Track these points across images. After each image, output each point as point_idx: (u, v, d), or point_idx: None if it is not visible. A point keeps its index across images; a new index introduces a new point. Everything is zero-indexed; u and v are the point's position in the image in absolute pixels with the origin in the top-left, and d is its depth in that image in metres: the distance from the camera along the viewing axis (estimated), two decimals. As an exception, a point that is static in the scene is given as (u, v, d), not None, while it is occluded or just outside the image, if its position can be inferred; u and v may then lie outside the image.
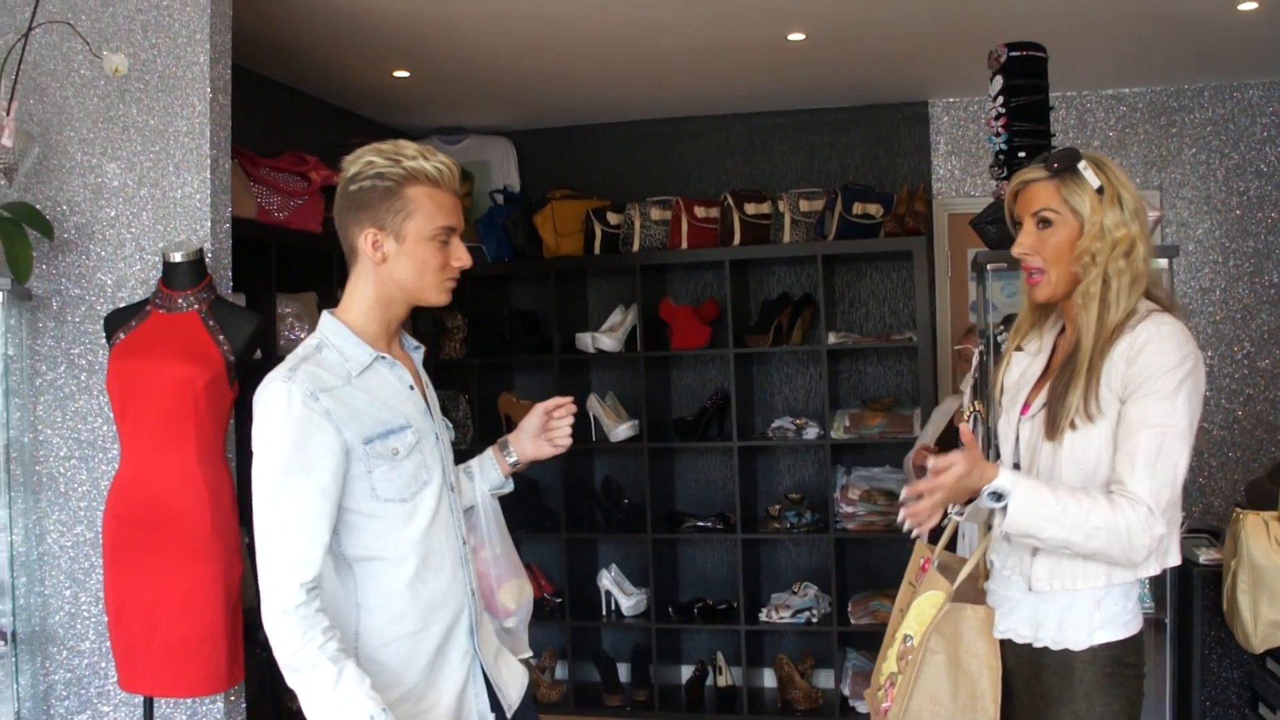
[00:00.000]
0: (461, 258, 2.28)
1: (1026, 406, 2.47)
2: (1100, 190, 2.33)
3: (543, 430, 2.58)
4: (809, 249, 5.50)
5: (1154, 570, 2.32)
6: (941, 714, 2.43)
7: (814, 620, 5.54)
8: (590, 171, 6.20)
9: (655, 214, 5.68)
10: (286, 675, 2.09)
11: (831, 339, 5.51)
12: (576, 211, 5.81)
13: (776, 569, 5.92)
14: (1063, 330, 2.49)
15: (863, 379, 5.90)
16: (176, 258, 3.40)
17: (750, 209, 5.57)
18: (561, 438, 2.58)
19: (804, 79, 5.40)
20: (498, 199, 5.99)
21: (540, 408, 2.59)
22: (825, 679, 5.69)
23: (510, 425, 5.84)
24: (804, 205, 5.52)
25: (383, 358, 2.27)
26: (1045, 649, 2.35)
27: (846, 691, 5.43)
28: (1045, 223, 2.39)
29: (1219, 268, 5.55)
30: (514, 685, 2.44)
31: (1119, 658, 2.31)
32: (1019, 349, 2.57)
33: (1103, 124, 5.61)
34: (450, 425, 2.46)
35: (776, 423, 5.71)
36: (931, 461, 2.28)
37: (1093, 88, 5.57)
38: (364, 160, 2.22)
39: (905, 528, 2.35)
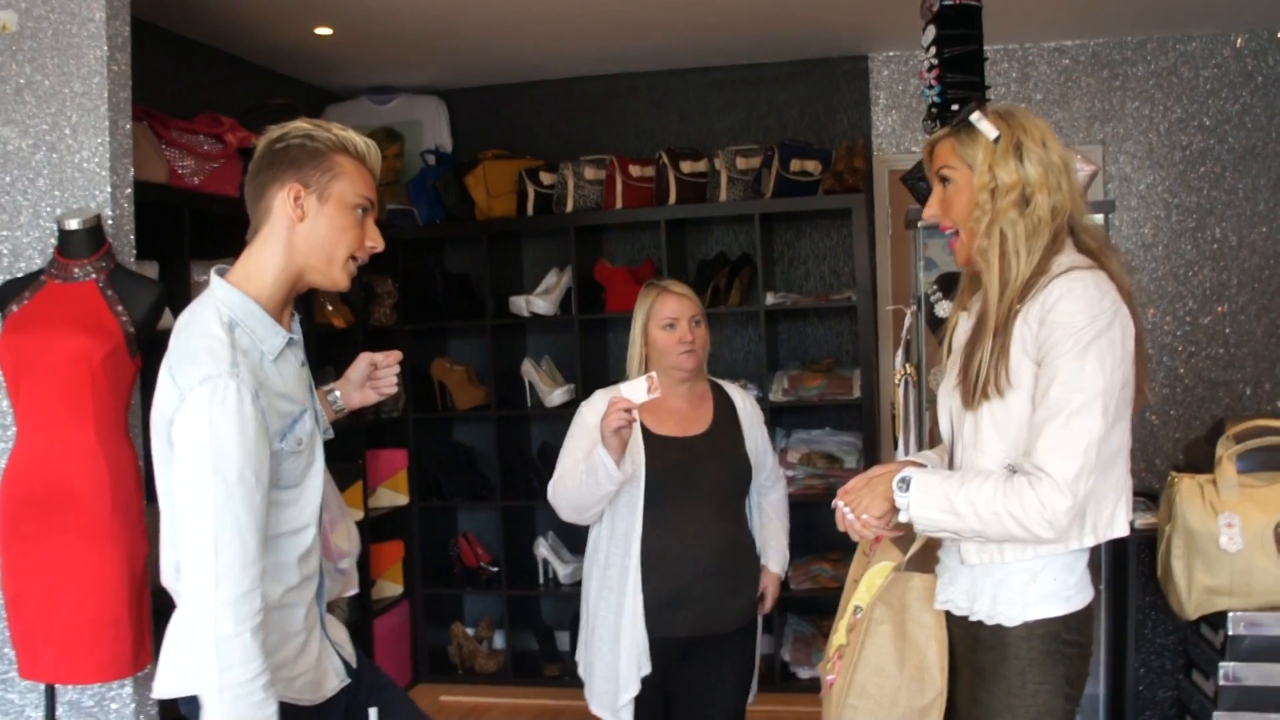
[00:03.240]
0: (375, 240, 2.26)
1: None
2: (998, 140, 2.22)
3: (368, 379, 2.64)
4: (746, 207, 5.38)
5: (1086, 542, 2.21)
6: (887, 686, 2.35)
7: (755, 585, 5.46)
8: (525, 130, 6.04)
9: (589, 173, 5.54)
10: (222, 692, 1.97)
11: (770, 299, 5.40)
12: (509, 172, 5.66)
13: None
14: None
15: (804, 340, 5.80)
16: (72, 225, 3.26)
17: (686, 167, 5.44)
18: (387, 385, 2.64)
19: (742, 34, 5.26)
20: (429, 160, 5.82)
21: (366, 357, 2.63)
22: (765, 645, 5.62)
23: (444, 391, 5.75)
24: (741, 163, 5.40)
25: (290, 339, 2.22)
26: (980, 623, 2.26)
27: (787, 657, 5.37)
28: (944, 180, 2.30)
29: (1161, 223, 5.48)
30: (346, 641, 2.47)
31: (1057, 634, 2.21)
32: (965, 310, 2.47)
33: (1045, 77, 5.51)
34: (313, 383, 2.42)
35: (716, 385, 5.60)
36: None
37: (1035, 40, 5.47)
38: (294, 125, 2.20)
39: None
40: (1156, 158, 5.47)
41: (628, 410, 2.92)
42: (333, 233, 2.19)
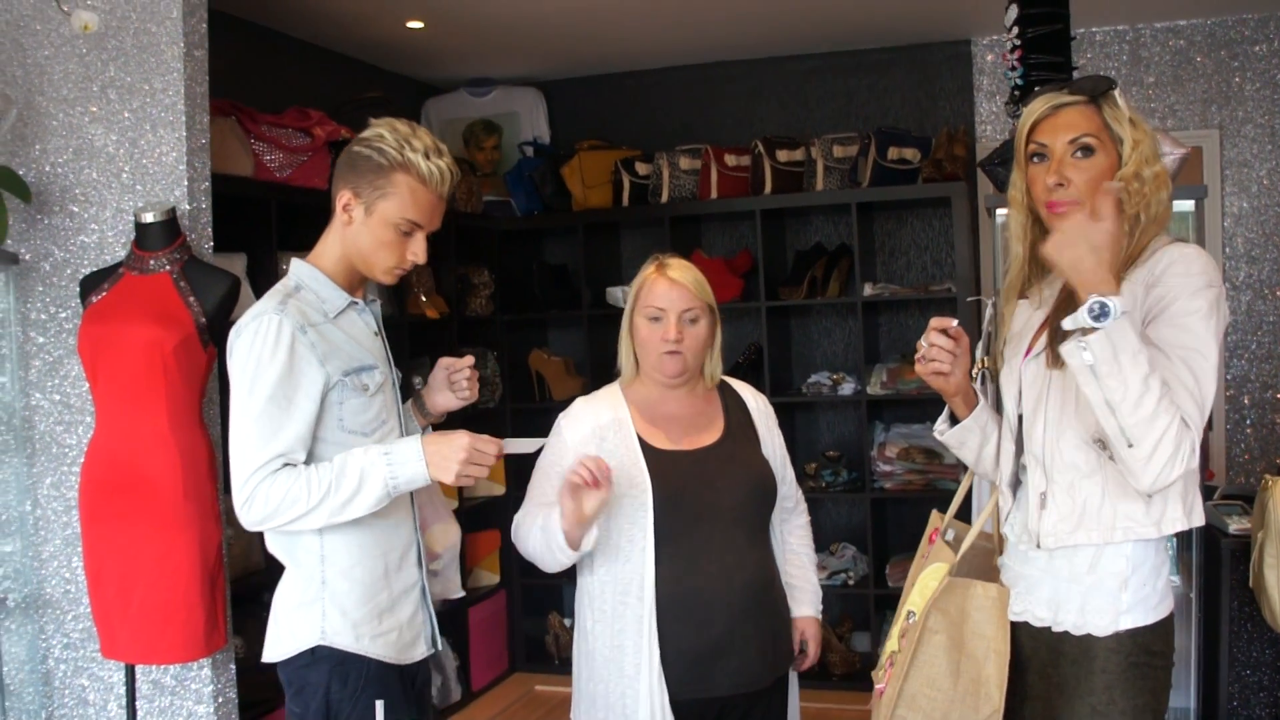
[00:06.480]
0: (417, 254, 2.42)
1: (1029, 351, 2.27)
2: (1132, 121, 2.15)
3: (448, 384, 2.68)
4: (843, 196, 5.27)
5: (1195, 522, 2.12)
6: (939, 699, 2.24)
7: (851, 582, 5.37)
8: (622, 121, 6.02)
9: (684, 163, 5.49)
10: (303, 522, 2.28)
11: (867, 290, 5.29)
12: (604, 162, 5.65)
13: (814, 529, 5.71)
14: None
15: (904, 332, 5.66)
16: (148, 218, 3.33)
17: (783, 156, 5.35)
18: (460, 390, 2.67)
19: (841, 19, 5.17)
20: (526, 151, 5.84)
21: (443, 362, 2.70)
22: (862, 642, 5.52)
23: (541, 382, 5.77)
24: (837, 151, 5.29)
25: (355, 303, 2.47)
26: (1065, 634, 2.15)
27: (884, 655, 5.25)
28: (1086, 150, 2.13)
29: (1284, 210, 5.20)
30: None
31: (1146, 646, 2.10)
32: (1024, 297, 2.37)
33: (1158, 59, 5.26)
34: (399, 373, 2.63)
35: (813, 378, 5.51)
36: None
37: (1146, 20, 5.23)
38: (378, 131, 2.38)
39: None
40: (1279, 141, 5.18)
41: (594, 472, 2.36)
42: (372, 244, 2.40)
